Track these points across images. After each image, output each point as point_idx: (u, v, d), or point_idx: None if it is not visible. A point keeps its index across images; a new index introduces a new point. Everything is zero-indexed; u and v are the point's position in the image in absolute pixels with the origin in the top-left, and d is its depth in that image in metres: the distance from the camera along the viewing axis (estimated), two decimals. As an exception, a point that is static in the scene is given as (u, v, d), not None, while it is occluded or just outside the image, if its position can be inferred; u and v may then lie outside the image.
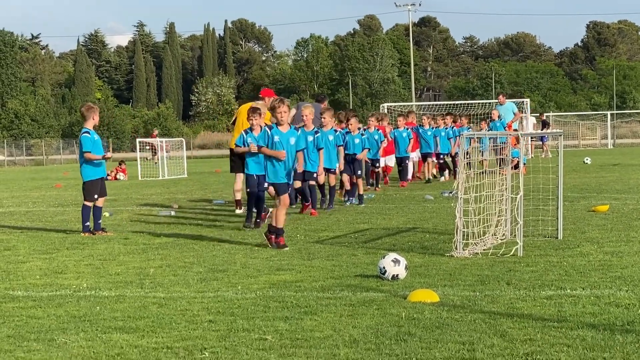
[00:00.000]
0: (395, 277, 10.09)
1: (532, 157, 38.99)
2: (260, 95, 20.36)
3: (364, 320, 8.10)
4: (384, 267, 10.16)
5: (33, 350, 7.40)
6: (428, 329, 7.64)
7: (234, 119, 20.02)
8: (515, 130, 33.98)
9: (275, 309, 8.77)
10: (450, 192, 21.37)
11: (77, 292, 10.10)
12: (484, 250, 12.09)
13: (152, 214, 20.58)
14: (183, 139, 52.62)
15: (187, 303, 9.23)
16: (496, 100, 38.20)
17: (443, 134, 29.84)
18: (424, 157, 29.49)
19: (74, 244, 14.89)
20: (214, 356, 7.02)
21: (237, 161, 18.42)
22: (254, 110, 15.92)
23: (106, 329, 8.07)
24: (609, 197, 20.29)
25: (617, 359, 6.52)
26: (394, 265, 10.12)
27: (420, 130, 29.39)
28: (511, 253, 11.74)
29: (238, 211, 19.49)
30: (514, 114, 33.35)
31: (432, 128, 29.71)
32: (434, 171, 30.50)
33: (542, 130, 50.77)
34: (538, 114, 60.09)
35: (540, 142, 51.38)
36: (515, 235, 12.24)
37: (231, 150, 18.79)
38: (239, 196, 19.64)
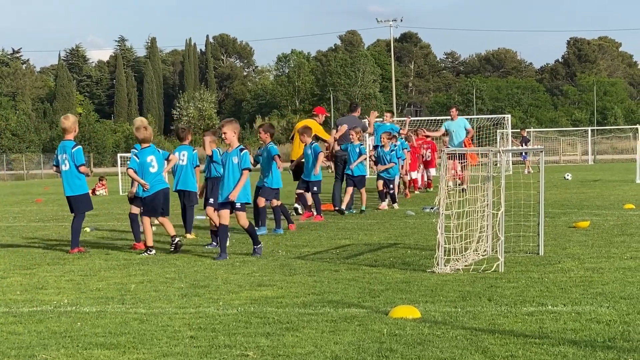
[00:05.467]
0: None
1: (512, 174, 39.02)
2: (314, 112, 23.16)
3: (345, 336, 8.09)
4: None
5: (13, 366, 7.36)
6: (410, 345, 7.64)
7: (292, 134, 23.00)
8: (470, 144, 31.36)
9: (257, 324, 8.75)
10: (432, 208, 21.41)
11: (58, 308, 10.06)
12: (465, 266, 12.09)
13: (133, 229, 20.47)
14: (164, 154, 52.41)
15: (169, 319, 9.20)
16: (478, 116, 37.68)
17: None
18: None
19: (54, 260, 14.83)
20: (196, 373, 7.00)
21: (299, 172, 21.28)
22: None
23: (87, 345, 8.03)
24: (590, 213, 20.36)
25: (598, 375, 6.54)
26: None
27: (380, 151, 24.92)
28: (492, 269, 11.76)
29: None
30: (466, 129, 29.48)
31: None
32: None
33: (522, 146, 50.65)
34: (519, 129, 60.29)
35: (522, 159, 51.10)
36: (496, 251, 12.26)
37: (291, 161, 22.00)
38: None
